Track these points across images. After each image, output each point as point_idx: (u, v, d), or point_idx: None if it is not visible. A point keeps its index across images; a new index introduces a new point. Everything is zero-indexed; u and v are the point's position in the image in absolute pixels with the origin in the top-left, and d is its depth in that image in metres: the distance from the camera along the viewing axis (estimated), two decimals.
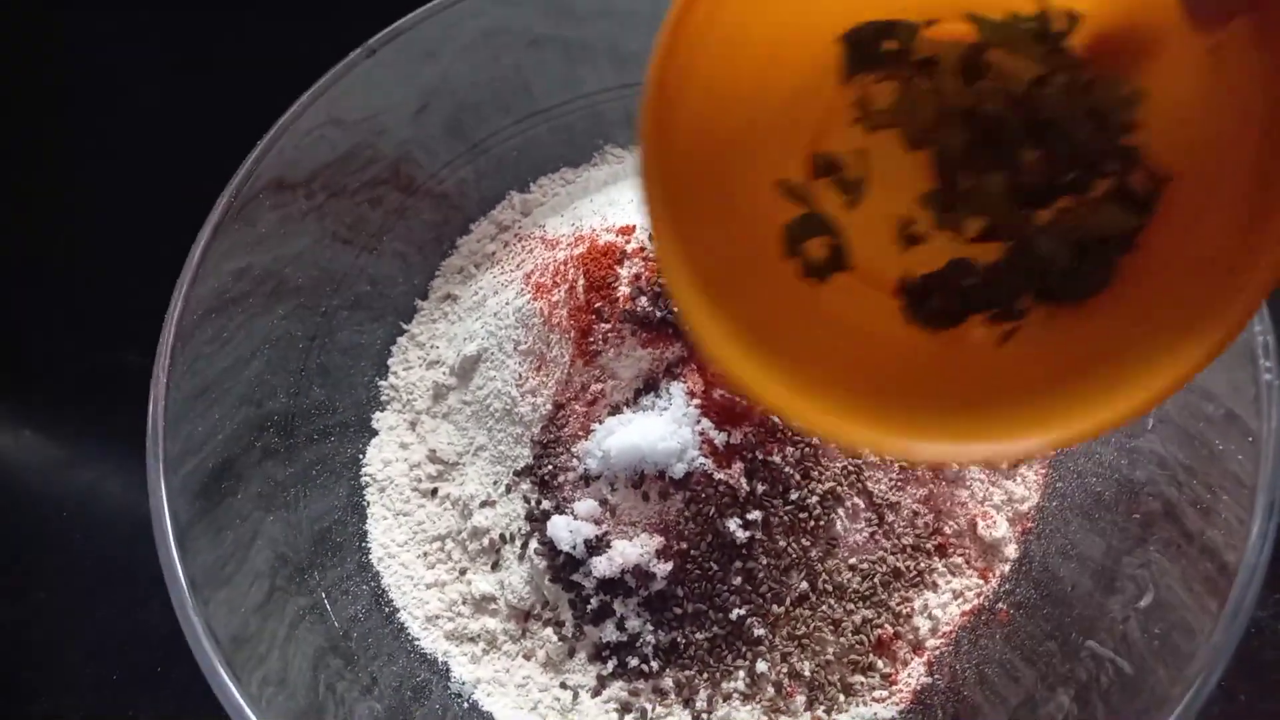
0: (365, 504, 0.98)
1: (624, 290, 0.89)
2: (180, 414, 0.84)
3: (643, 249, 0.90)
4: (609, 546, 0.87)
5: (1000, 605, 0.90)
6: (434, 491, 0.98)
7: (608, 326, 0.89)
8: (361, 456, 1.00)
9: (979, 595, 0.91)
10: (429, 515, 0.97)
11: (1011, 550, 0.92)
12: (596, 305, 0.89)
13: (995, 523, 0.92)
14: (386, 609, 0.92)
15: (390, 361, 1.06)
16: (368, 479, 0.99)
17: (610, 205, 1.00)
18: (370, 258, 1.06)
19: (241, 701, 0.71)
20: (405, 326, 1.07)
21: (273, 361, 0.96)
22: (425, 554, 0.95)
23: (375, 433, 1.02)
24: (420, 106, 1.06)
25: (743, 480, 0.87)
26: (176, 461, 0.82)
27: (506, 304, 0.96)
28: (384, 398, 1.04)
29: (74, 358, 1.22)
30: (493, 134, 1.12)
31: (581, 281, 0.91)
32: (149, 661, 1.02)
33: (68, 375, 1.21)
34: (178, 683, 1.01)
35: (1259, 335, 0.75)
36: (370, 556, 0.95)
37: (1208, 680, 0.70)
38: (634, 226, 0.92)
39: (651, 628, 0.87)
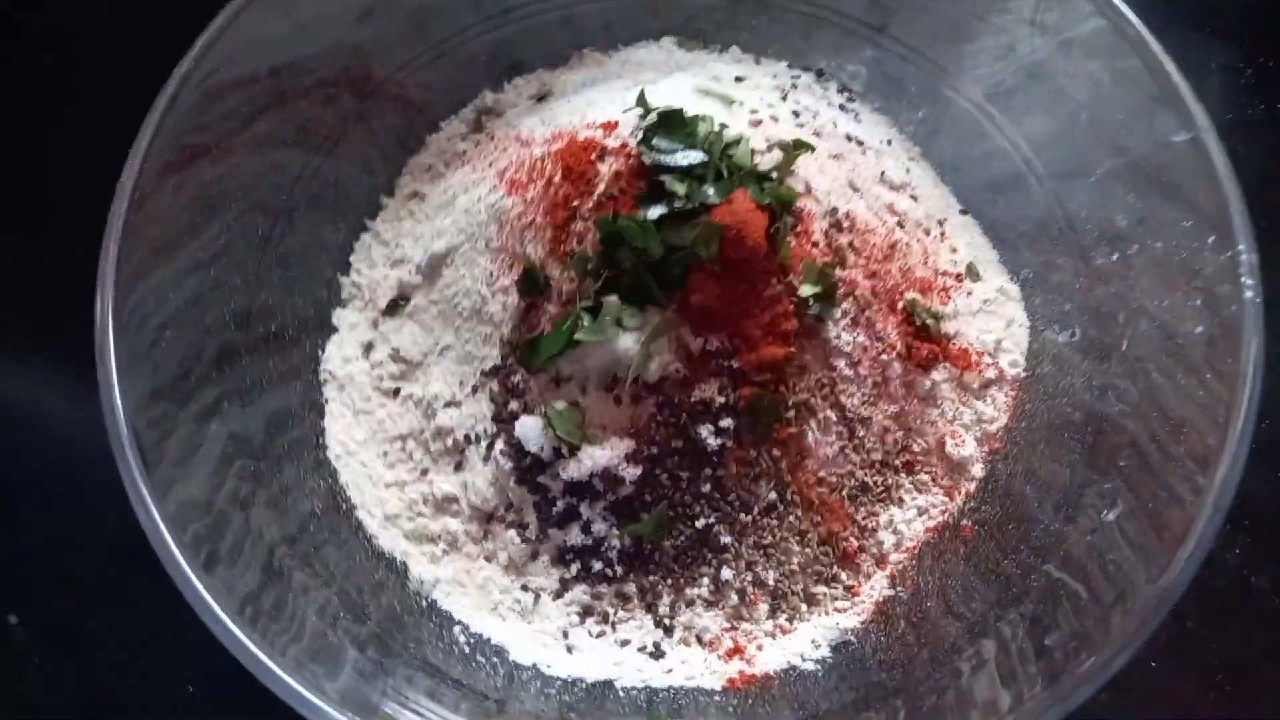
0: (324, 401, 0.94)
1: (602, 188, 0.86)
2: (130, 307, 0.79)
3: (625, 146, 0.87)
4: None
5: (965, 522, 0.90)
6: (396, 391, 0.95)
7: (584, 225, 0.86)
8: (320, 353, 0.97)
9: (944, 512, 0.92)
10: (390, 415, 0.94)
11: (978, 470, 0.93)
12: (573, 202, 0.87)
13: (964, 441, 0.92)
14: (344, 506, 0.90)
15: (353, 258, 1.02)
16: (326, 376, 0.96)
17: (589, 105, 0.97)
18: (326, 160, 1.01)
19: (189, 572, 0.69)
20: (369, 224, 1.03)
21: (226, 261, 0.91)
22: (385, 453, 0.92)
23: (335, 330, 0.98)
24: (365, 10, 1.00)
25: (716, 387, 0.85)
26: (129, 354, 0.77)
27: (479, 200, 0.93)
28: (345, 295, 1.00)
29: (15, 265, 1.15)
30: (457, 33, 1.07)
31: (559, 177, 0.87)
32: (90, 565, 0.99)
33: (9, 284, 1.15)
34: (117, 585, 0.97)
35: (1243, 254, 0.75)
36: (328, 454, 0.92)
37: (1158, 611, 0.71)
38: (616, 123, 0.89)
39: (617, 532, 0.86)
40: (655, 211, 0.82)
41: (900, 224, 0.96)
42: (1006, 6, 1.00)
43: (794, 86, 1.05)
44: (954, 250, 1.00)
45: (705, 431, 0.84)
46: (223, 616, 0.69)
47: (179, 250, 0.86)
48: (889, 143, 1.04)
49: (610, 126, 0.89)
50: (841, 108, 1.05)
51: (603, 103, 0.96)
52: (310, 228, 1.00)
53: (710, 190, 0.83)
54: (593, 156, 0.87)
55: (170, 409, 0.81)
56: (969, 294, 0.97)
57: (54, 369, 1.09)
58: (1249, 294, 0.74)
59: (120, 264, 0.79)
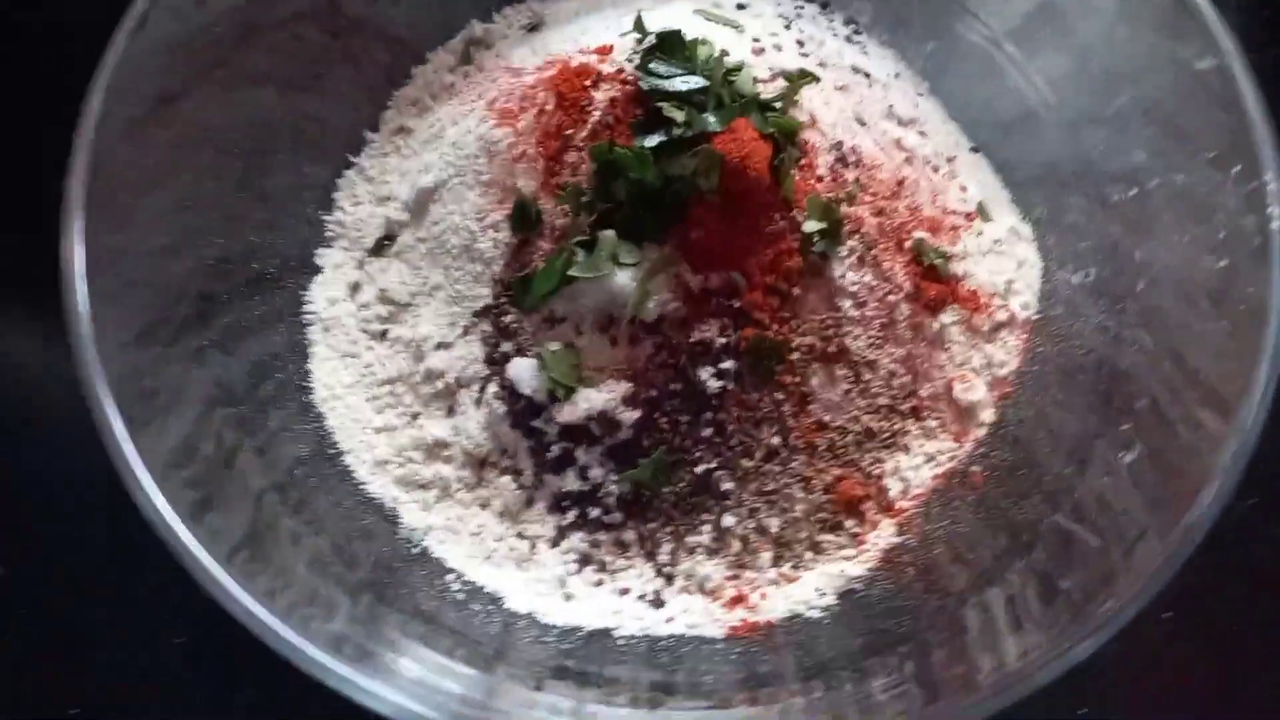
0: (308, 344, 0.91)
1: (597, 115, 0.82)
2: (100, 254, 0.74)
3: (620, 72, 0.83)
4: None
5: (974, 469, 0.87)
6: (384, 333, 0.91)
7: (578, 155, 0.82)
8: (304, 294, 0.93)
9: (951, 459, 0.89)
10: (378, 358, 0.90)
11: (988, 415, 0.90)
12: (567, 131, 0.82)
13: (973, 386, 0.89)
14: (331, 452, 0.86)
15: (336, 196, 0.97)
16: (311, 318, 0.92)
17: (584, 33, 0.92)
18: (305, 96, 0.96)
19: (175, 522, 0.65)
20: (354, 160, 0.99)
21: (202, 202, 0.86)
22: (374, 397, 0.89)
23: (319, 270, 0.94)
24: None
25: (717, 328, 0.82)
26: (103, 301, 0.73)
27: (468, 132, 0.89)
28: (329, 234, 0.96)
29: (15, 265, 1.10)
30: None
31: (551, 104, 0.83)
32: (73, 511, 0.95)
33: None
34: (100, 531, 0.94)
35: (1270, 183, 0.72)
36: (314, 398, 0.88)
37: (1171, 564, 0.68)
38: (611, 47, 0.85)
39: (615, 478, 0.83)
40: (653, 140, 0.78)
41: (908, 160, 0.93)
42: None
43: (799, 15, 1.01)
44: (964, 189, 0.96)
45: (705, 374, 0.81)
46: (210, 566, 0.66)
47: (151, 192, 0.82)
48: (896, 76, 1.00)
49: (605, 51, 0.85)
50: (848, 39, 1.01)
51: (598, 30, 0.92)
52: (291, 166, 0.95)
53: (711, 118, 0.78)
54: (587, 83, 0.83)
55: (149, 359, 0.77)
56: (979, 234, 0.94)
57: (25, 314, 1.05)
58: (1276, 224, 0.70)
59: (89, 208, 0.74)
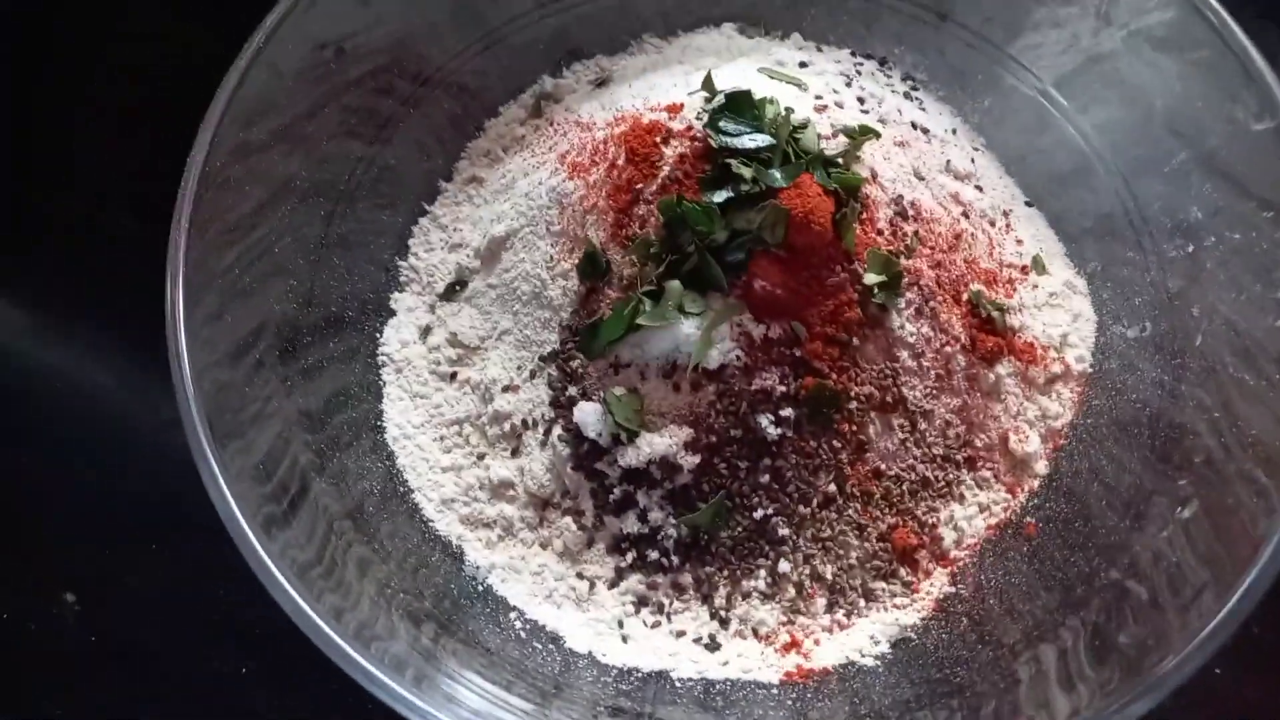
0: (381, 384, 0.94)
1: (666, 170, 0.85)
2: (196, 299, 0.79)
3: (690, 129, 0.86)
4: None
5: (1028, 520, 0.88)
6: (453, 375, 0.94)
7: (647, 209, 0.85)
8: (379, 336, 0.97)
9: (1006, 510, 0.90)
10: (447, 399, 0.93)
11: (1042, 467, 0.91)
12: (637, 185, 0.86)
13: (1027, 438, 0.90)
14: (401, 489, 0.89)
15: (411, 242, 1.01)
16: (384, 359, 0.95)
17: (651, 89, 0.96)
18: (384, 147, 1.01)
19: (250, 534, 0.68)
20: (428, 208, 1.03)
21: (290, 244, 0.91)
22: (442, 437, 0.92)
23: (393, 313, 0.98)
24: None
25: (777, 376, 0.84)
26: (197, 339, 0.78)
27: (540, 184, 0.92)
28: (403, 279, 1.00)
29: (80, 226, 1.16)
30: (513, 19, 1.07)
31: (622, 159, 0.87)
32: (143, 539, 0.99)
33: (72, 244, 1.16)
34: (170, 559, 0.98)
35: None
36: (385, 436, 0.92)
37: (1221, 630, 0.68)
38: (681, 105, 0.88)
39: (674, 521, 0.85)
40: (720, 195, 0.81)
41: (965, 214, 0.95)
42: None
43: (858, 73, 1.04)
44: (1019, 242, 0.98)
45: (765, 421, 0.83)
46: (283, 580, 0.69)
47: (244, 232, 0.87)
48: (954, 132, 1.03)
49: (675, 109, 0.88)
50: (906, 95, 1.04)
51: (665, 87, 0.95)
52: (369, 212, 1.00)
53: (777, 174, 0.81)
54: (657, 139, 0.86)
55: (237, 379, 0.82)
56: (1035, 287, 0.95)
57: (109, 345, 1.10)
58: None
59: (190, 240, 0.79)
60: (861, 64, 1.06)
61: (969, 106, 1.07)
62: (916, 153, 0.94)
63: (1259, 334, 0.78)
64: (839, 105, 0.94)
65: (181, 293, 0.76)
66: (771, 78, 0.95)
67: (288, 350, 0.87)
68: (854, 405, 0.85)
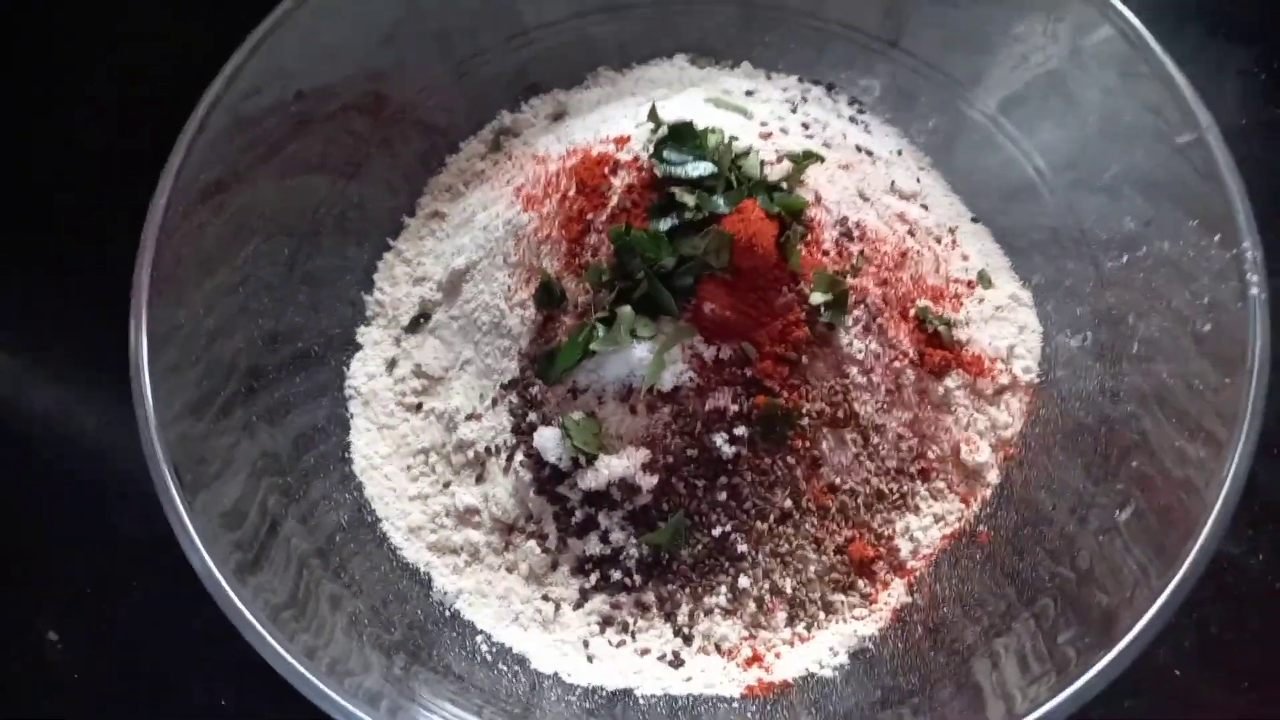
0: (349, 416, 0.97)
1: (615, 200, 0.88)
2: (162, 343, 0.82)
3: (636, 159, 0.89)
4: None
5: (981, 528, 0.90)
6: (418, 406, 0.97)
7: (598, 237, 0.88)
8: (345, 370, 0.99)
9: (960, 519, 0.92)
10: (413, 429, 0.96)
11: (993, 476, 0.93)
12: (587, 215, 0.89)
13: (978, 448, 0.93)
14: (369, 519, 0.92)
15: (376, 277, 1.04)
16: (351, 392, 0.98)
17: (604, 122, 0.99)
18: (350, 183, 1.04)
19: (223, 582, 0.71)
20: (392, 243, 1.06)
21: (254, 283, 0.94)
22: (409, 467, 0.94)
23: (359, 347, 1.01)
24: (386, 35, 1.03)
25: (729, 396, 0.86)
26: (162, 380, 0.80)
27: (496, 217, 0.95)
28: (369, 313, 1.03)
29: (46, 283, 1.19)
30: (476, 55, 1.10)
31: (573, 190, 0.90)
32: (122, 574, 1.01)
33: (43, 304, 1.18)
34: (150, 594, 1.00)
35: (1247, 251, 0.76)
36: (353, 468, 0.94)
37: (1169, 606, 0.70)
38: (628, 137, 0.91)
39: (635, 541, 0.87)
40: (666, 223, 0.84)
41: (911, 232, 0.97)
42: (1020, 18, 1.01)
43: (804, 99, 1.07)
44: (965, 257, 1.01)
45: (720, 440, 0.86)
46: (257, 625, 0.71)
47: (208, 275, 0.89)
48: (899, 153, 1.06)
49: (622, 141, 0.91)
50: (851, 119, 1.07)
51: (616, 118, 0.99)
52: (335, 249, 1.02)
53: (720, 200, 0.84)
54: (606, 170, 0.89)
55: (202, 429, 0.84)
56: (981, 301, 0.98)
57: (88, 383, 1.12)
58: (1254, 290, 0.74)
59: (152, 291, 0.82)
60: (809, 90, 1.10)
61: (915, 128, 1.10)
62: (861, 175, 0.97)
63: (1187, 340, 0.80)
64: (784, 131, 0.97)
65: (145, 345, 0.78)
66: (718, 106, 0.98)
67: (254, 390, 0.90)
68: (806, 422, 0.87)
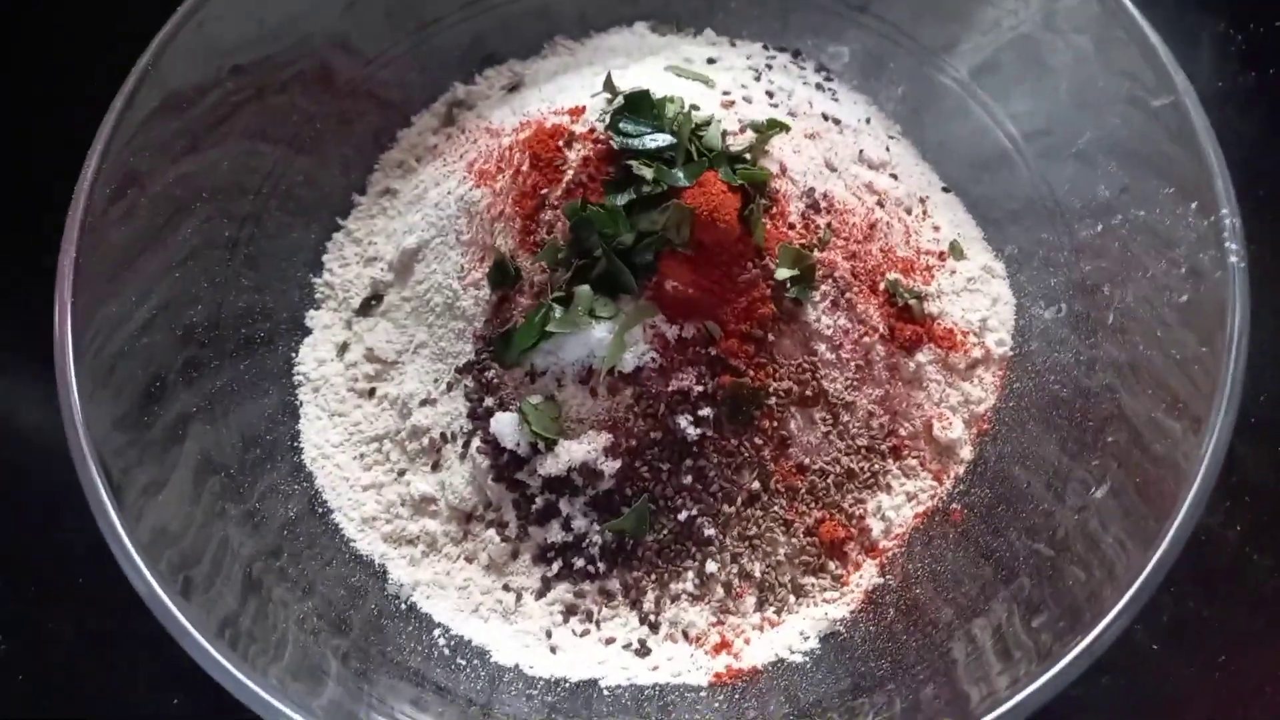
0: (298, 404, 0.93)
1: (570, 175, 0.84)
2: (93, 328, 0.78)
3: (592, 131, 0.85)
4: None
5: (954, 506, 0.88)
6: (371, 391, 0.93)
7: (554, 214, 0.84)
8: (294, 356, 0.95)
9: (933, 497, 0.89)
10: (366, 416, 0.92)
11: (967, 452, 0.91)
12: (542, 190, 0.85)
13: (951, 424, 0.90)
14: (320, 510, 0.88)
15: (325, 259, 1.00)
16: (301, 379, 0.94)
17: (560, 92, 0.95)
18: (297, 158, 0.99)
19: (169, 603, 0.67)
20: (341, 223, 1.02)
21: (192, 267, 0.89)
22: (362, 455, 0.91)
23: (309, 331, 0.97)
24: (336, 4, 0.99)
25: (694, 376, 0.83)
26: (93, 377, 0.76)
27: (448, 194, 0.91)
28: (319, 295, 0.98)
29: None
30: (431, 23, 1.06)
31: (526, 165, 0.86)
32: (68, 575, 0.97)
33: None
34: (97, 594, 0.96)
35: (1226, 219, 0.73)
36: (303, 458, 0.90)
37: (1149, 584, 0.68)
38: (584, 108, 0.87)
39: (598, 528, 0.84)
40: (624, 197, 0.80)
41: (880, 203, 0.94)
42: None
43: (769, 67, 1.03)
44: (936, 228, 0.98)
45: (684, 422, 0.83)
46: (204, 643, 0.68)
47: (142, 261, 0.85)
48: (867, 121, 1.02)
49: (578, 112, 0.87)
50: (818, 87, 1.04)
51: (574, 89, 0.95)
52: (281, 229, 0.98)
53: (680, 173, 0.81)
54: (560, 143, 0.85)
55: (138, 433, 0.79)
56: (953, 273, 0.95)
57: (25, 371, 1.08)
58: (1233, 259, 0.72)
59: (78, 283, 0.77)
60: (774, 57, 1.06)
61: (884, 95, 1.07)
62: (828, 144, 0.94)
63: (1165, 310, 0.78)
64: (747, 100, 0.94)
65: (70, 338, 0.74)
66: (678, 75, 0.94)
67: (194, 380, 0.86)
68: (774, 401, 0.84)
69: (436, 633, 0.83)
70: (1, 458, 1.05)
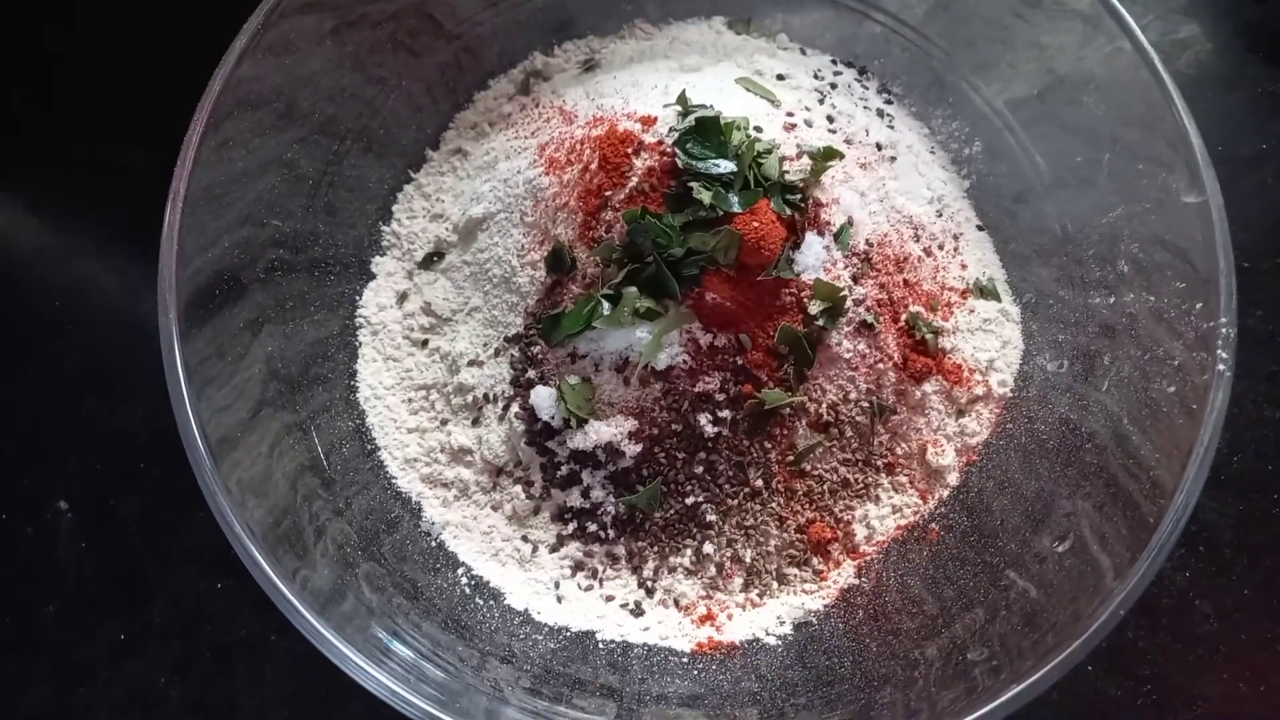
0: (357, 344, 1.02)
1: (634, 182, 0.90)
2: (191, 217, 0.86)
3: (660, 143, 0.91)
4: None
5: (933, 525, 0.97)
6: (424, 342, 1.02)
7: (613, 215, 0.91)
8: (358, 297, 1.03)
9: (915, 513, 0.98)
10: (417, 364, 1.01)
11: (953, 478, 0.99)
12: (606, 191, 0.91)
13: (944, 451, 0.99)
14: (368, 445, 0.98)
15: (395, 208, 1.07)
16: (361, 320, 1.03)
17: (633, 87, 1.00)
18: (382, 92, 1.06)
19: (223, 500, 0.77)
20: (413, 175, 1.08)
21: (282, 184, 0.98)
22: (410, 400, 1.00)
23: (373, 276, 1.04)
24: None
25: (718, 381, 0.91)
26: (184, 262, 0.85)
27: (518, 172, 0.98)
28: (385, 243, 1.06)
29: (79, 148, 1.21)
30: None
31: (595, 164, 0.92)
32: (131, 458, 1.08)
33: (71, 166, 1.21)
34: (159, 480, 1.07)
35: (1223, 327, 0.80)
36: (357, 395, 0.99)
37: (1108, 623, 0.77)
38: (655, 118, 0.93)
39: (614, 500, 0.94)
40: (681, 217, 0.87)
41: (916, 237, 1.01)
42: (1052, 27, 1.02)
43: (833, 87, 1.08)
44: (964, 266, 1.04)
45: (704, 420, 0.91)
46: (244, 539, 0.78)
47: (260, 140, 0.94)
48: (917, 152, 1.07)
49: (649, 121, 0.93)
50: (879, 112, 1.08)
51: (646, 86, 1.00)
52: (357, 170, 1.05)
53: (734, 200, 0.87)
54: (629, 149, 0.91)
55: (219, 323, 0.88)
56: (971, 311, 1.02)
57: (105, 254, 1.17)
58: (1221, 367, 0.79)
59: (200, 149, 0.87)
60: (840, 74, 1.10)
61: (938, 124, 1.11)
62: (878, 175, 1.00)
63: (1152, 394, 0.85)
64: (808, 124, 0.99)
65: (175, 246, 0.83)
66: (748, 89, 0.99)
67: (273, 286, 0.95)
68: (788, 412, 0.93)
69: (459, 571, 0.94)
70: (77, 339, 1.14)
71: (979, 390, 1.00)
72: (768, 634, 0.93)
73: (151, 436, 1.08)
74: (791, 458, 0.94)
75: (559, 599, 0.94)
